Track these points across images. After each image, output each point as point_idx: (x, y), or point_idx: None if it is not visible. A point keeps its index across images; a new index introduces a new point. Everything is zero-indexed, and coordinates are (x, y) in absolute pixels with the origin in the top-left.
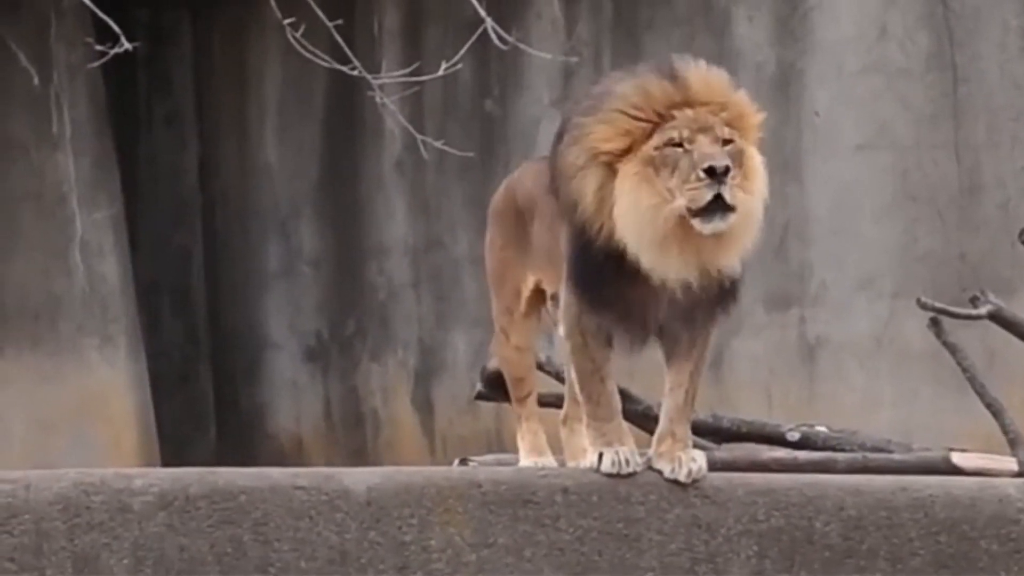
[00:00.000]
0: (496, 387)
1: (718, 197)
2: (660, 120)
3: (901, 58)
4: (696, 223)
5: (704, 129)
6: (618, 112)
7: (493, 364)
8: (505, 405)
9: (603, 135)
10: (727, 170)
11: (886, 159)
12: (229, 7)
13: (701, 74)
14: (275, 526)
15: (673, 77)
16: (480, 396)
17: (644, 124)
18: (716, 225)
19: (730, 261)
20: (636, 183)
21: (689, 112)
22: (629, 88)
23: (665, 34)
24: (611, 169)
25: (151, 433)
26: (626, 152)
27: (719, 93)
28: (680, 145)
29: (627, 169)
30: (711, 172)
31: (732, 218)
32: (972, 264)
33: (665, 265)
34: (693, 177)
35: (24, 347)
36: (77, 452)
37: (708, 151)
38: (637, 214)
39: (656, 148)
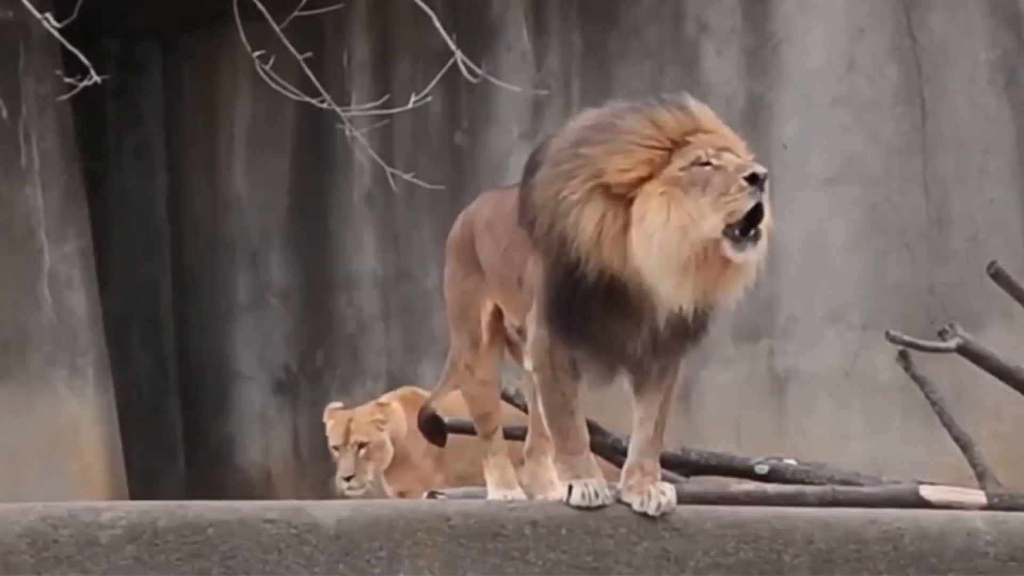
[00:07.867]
0: (431, 431)
1: (756, 209)
2: (674, 147)
3: (870, 91)
4: (727, 248)
5: (726, 148)
6: (633, 144)
7: (430, 407)
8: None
9: (620, 165)
10: (766, 176)
11: (855, 192)
12: (199, 39)
13: (703, 107)
14: (244, 559)
15: (682, 107)
16: (452, 429)
17: (661, 152)
18: (748, 254)
19: (738, 293)
20: (663, 203)
21: (704, 136)
22: (638, 121)
23: (635, 66)
24: (618, 200)
25: (119, 465)
26: (644, 180)
27: (720, 125)
28: (708, 164)
29: (650, 190)
30: (753, 178)
31: (762, 246)
32: (941, 297)
33: (679, 292)
34: (734, 188)
35: None
36: (46, 484)
37: (744, 161)
38: (664, 235)
39: (681, 169)
